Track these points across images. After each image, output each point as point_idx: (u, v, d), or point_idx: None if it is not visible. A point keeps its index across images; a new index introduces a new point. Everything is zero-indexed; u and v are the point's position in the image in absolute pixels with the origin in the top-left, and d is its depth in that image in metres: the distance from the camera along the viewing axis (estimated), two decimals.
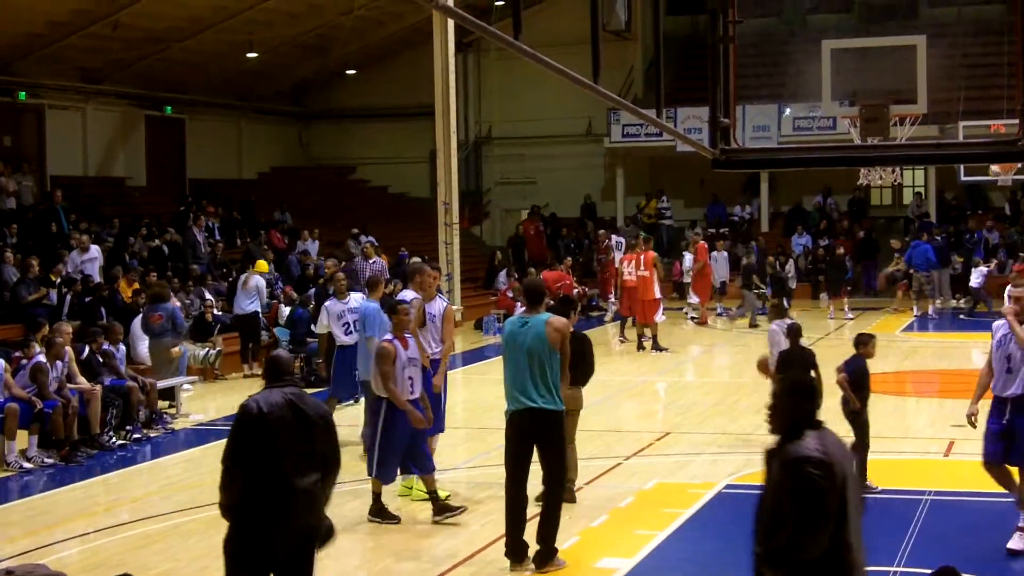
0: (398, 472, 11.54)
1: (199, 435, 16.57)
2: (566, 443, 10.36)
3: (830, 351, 24.05)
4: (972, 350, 22.48)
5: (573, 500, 11.67)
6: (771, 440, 6.05)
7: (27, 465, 14.44)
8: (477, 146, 39.70)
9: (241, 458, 7.02)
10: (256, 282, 22.20)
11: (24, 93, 28.22)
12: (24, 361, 15.09)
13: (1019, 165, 24.38)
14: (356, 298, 16.14)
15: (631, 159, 37.64)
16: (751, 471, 13.37)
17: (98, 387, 15.59)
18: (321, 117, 40.26)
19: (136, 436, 16.05)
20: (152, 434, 16.37)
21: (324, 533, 7.35)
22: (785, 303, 27.31)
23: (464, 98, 36.82)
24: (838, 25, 36.11)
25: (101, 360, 16.41)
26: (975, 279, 29.60)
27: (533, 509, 10.14)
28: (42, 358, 15.01)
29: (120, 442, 15.77)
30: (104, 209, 27.57)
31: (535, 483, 10.08)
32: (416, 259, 22.72)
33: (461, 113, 32.98)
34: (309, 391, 17.95)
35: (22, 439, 14.62)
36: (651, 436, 14.86)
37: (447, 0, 19.02)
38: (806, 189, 37.31)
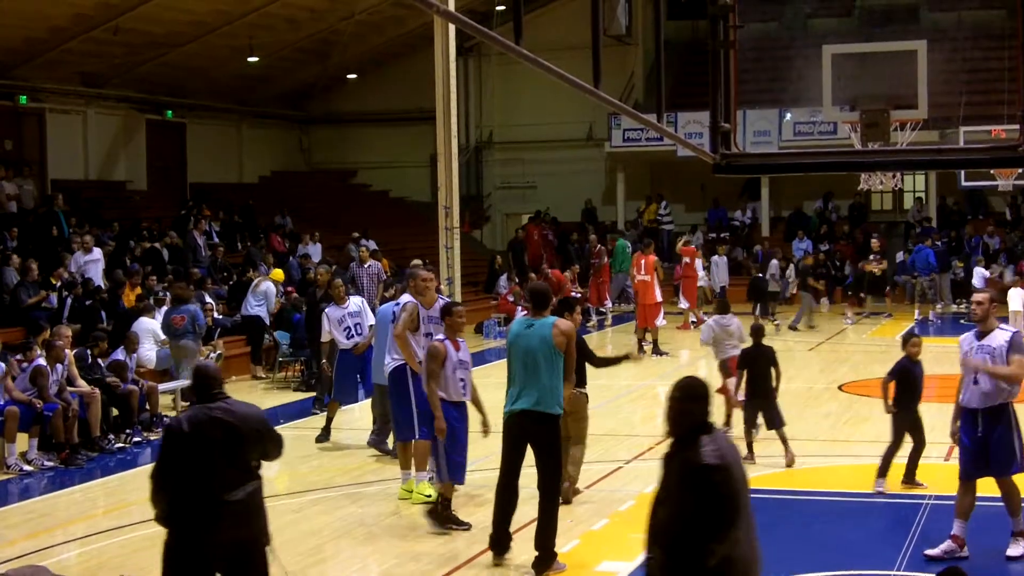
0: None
1: None
2: (561, 446, 10.35)
3: (830, 355, 24.19)
4: None
5: (568, 501, 11.69)
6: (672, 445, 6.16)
7: (27, 468, 14.46)
8: (478, 150, 39.72)
9: (167, 476, 7.25)
10: (267, 287, 22.44)
11: (25, 97, 28.24)
12: (25, 364, 15.10)
13: (1019, 170, 24.41)
14: (355, 302, 16.18)
15: (632, 164, 37.64)
16: (751, 475, 13.38)
17: (97, 390, 15.61)
18: (322, 121, 40.28)
19: (136, 439, 16.06)
20: (152, 437, 16.36)
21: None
22: (760, 308, 27.55)
23: (465, 102, 36.87)
24: (839, 30, 36.11)
25: (104, 366, 16.43)
26: (977, 280, 29.59)
27: (532, 513, 10.13)
28: (42, 361, 15.02)
29: (120, 445, 15.79)
30: (105, 213, 27.59)
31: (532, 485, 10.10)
32: (416, 260, 22.74)
33: (462, 117, 33.01)
34: (305, 394, 18.17)
35: (22, 442, 14.63)
36: (652, 440, 14.85)
37: (448, 5, 19.08)
38: (807, 194, 37.33)
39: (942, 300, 30.57)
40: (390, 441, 14.14)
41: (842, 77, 11.68)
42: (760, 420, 13.93)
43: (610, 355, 13.29)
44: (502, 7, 28.69)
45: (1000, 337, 9.97)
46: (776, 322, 27.76)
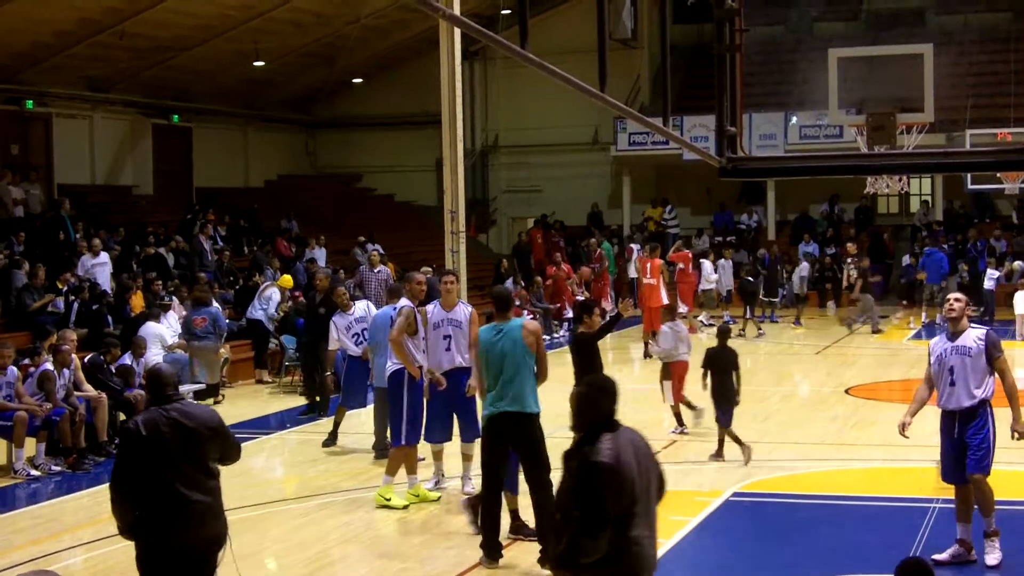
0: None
1: None
2: (544, 442, 10.35)
3: (837, 358, 24.16)
4: None
5: None
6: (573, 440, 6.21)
7: (34, 473, 14.46)
8: (484, 154, 39.72)
9: (127, 482, 7.23)
10: (271, 293, 22.47)
11: (31, 102, 28.28)
12: (32, 369, 15.11)
13: None
14: (361, 307, 16.20)
15: (638, 167, 37.64)
16: (758, 479, 13.38)
17: (104, 395, 15.62)
18: (328, 126, 40.32)
19: None
20: None
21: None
22: (751, 310, 27.52)
23: (471, 106, 36.88)
24: (845, 33, 36.13)
25: (114, 372, 16.44)
26: (988, 283, 29.50)
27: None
28: (49, 366, 15.03)
29: None
30: (111, 217, 27.61)
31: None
32: (425, 268, 22.77)
33: (467, 121, 33.01)
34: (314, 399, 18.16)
35: (30, 447, 14.63)
36: (658, 444, 14.83)
37: (454, 9, 19.08)
38: (813, 197, 37.31)
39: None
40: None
41: (848, 80, 11.69)
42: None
43: (604, 323, 13.29)
44: (508, 11, 28.70)
45: (972, 336, 9.95)
46: (761, 332, 27.77)
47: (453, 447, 13.11)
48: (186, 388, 18.81)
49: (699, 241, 36.58)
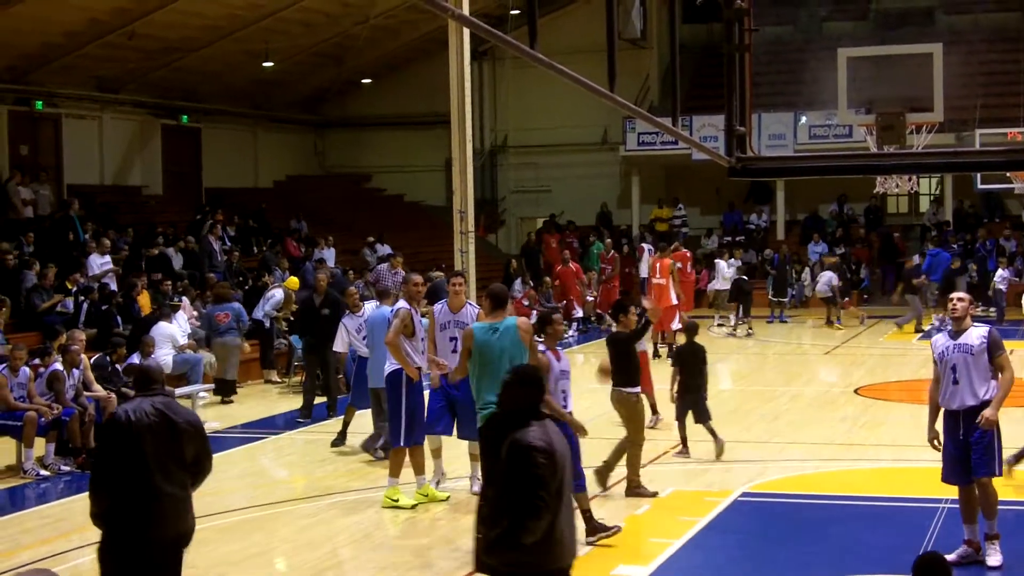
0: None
1: (213, 443, 16.36)
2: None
3: (846, 358, 24.14)
4: None
5: (653, 494, 12.30)
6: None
7: (44, 472, 14.48)
8: (492, 154, 39.71)
9: (106, 468, 7.35)
10: (272, 293, 22.57)
11: (41, 102, 28.32)
12: (42, 369, 15.14)
13: None
14: (370, 308, 16.15)
15: (647, 167, 37.62)
16: (767, 479, 13.37)
17: (113, 395, 15.64)
18: (337, 126, 40.33)
19: None
20: None
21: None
22: (744, 309, 27.54)
23: (479, 106, 36.85)
24: (854, 33, 36.06)
25: (121, 371, 16.46)
26: (999, 282, 29.43)
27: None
28: (59, 366, 15.06)
29: None
30: (120, 218, 27.65)
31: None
32: (436, 272, 22.80)
33: (476, 121, 32.97)
34: (320, 398, 18.18)
35: (39, 447, 14.66)
36: (667, 444, 14.83)
37: (463, 9, 19.10)
38: (822, 197, 37.26)
39: None
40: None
41: (857, 80, 11.66)
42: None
43: (640, 326, 13.30)
44: (516, 11, 28.69)
45: (975, 334, 9.93)
46: (750, 331, 27.72)
47: (454, 449, 13.11)
48: (196, 388, 18.89)
49: (708, 241, 36.56)
